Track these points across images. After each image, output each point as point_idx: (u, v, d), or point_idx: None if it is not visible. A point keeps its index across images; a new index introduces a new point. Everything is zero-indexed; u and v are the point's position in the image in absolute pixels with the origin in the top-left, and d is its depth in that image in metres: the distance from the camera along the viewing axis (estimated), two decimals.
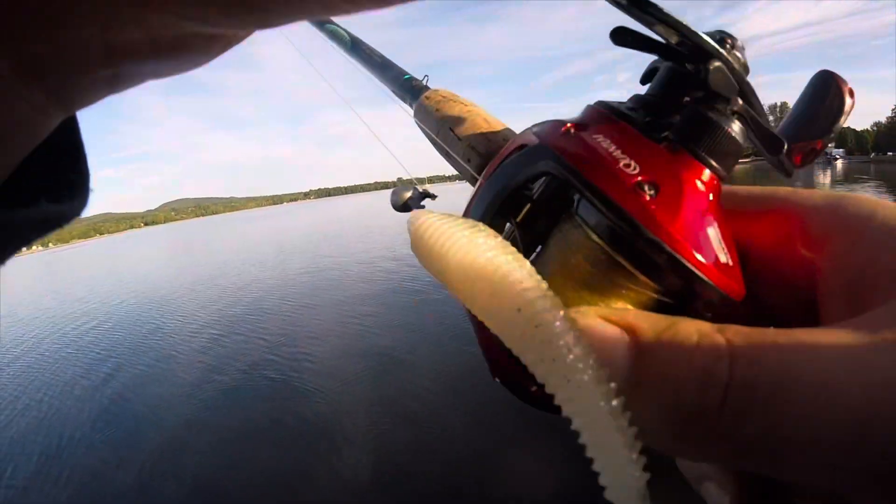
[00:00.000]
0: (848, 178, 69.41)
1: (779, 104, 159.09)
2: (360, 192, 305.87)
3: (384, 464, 7.12)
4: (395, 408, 8.90)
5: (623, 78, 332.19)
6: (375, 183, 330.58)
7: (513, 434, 7.10)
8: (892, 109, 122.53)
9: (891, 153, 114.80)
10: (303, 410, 9.44)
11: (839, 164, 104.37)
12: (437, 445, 7.37)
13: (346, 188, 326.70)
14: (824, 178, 71.94)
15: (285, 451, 7.93)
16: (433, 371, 10.48)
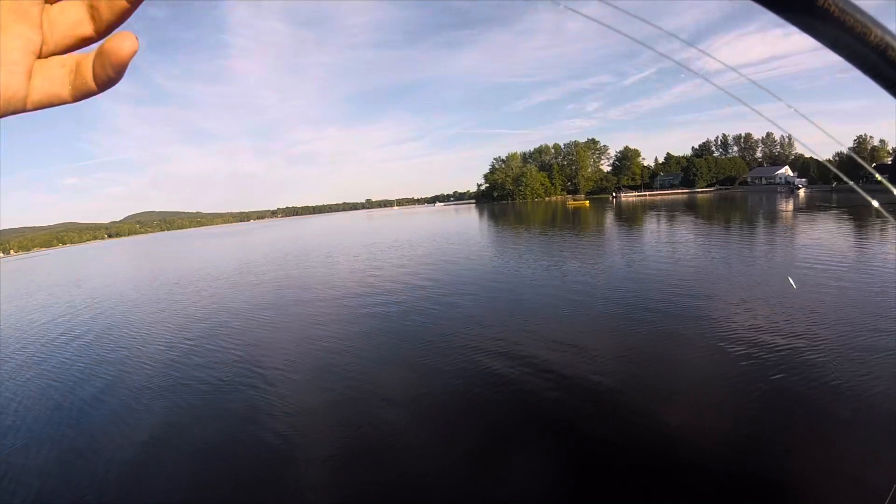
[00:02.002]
0: (811, 205, 69.81)
1: (743, 135, 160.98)
2: (327, 211, 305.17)
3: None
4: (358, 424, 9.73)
5: (592, 108, 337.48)
6: (343, 203, 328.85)
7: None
8: (854, 140, 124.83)
9: (852, 183, 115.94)
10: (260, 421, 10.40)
11: (802, 192, 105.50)
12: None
13: (313, 207, 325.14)
14: (787, 206, 71.43)
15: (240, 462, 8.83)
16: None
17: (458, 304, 19.63)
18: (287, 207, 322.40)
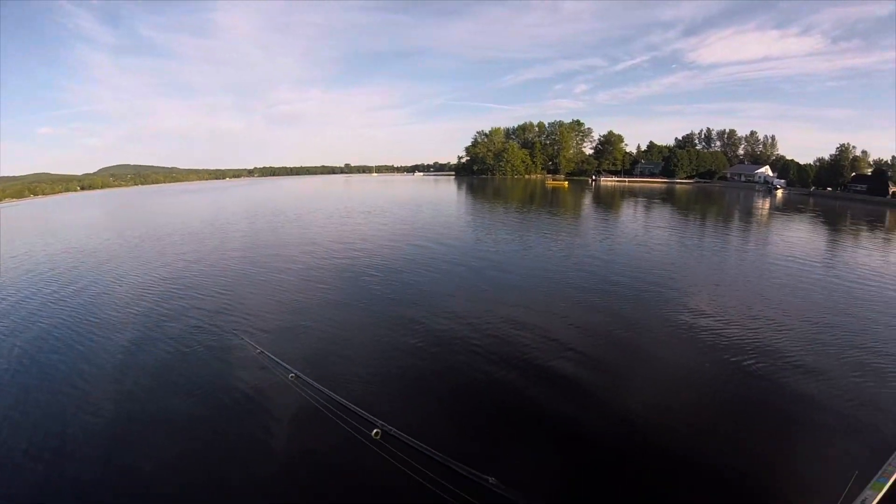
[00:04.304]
0: (788, 206, 71.30)
1: (727, 131, 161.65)
2: (305, 173, 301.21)
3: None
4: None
5: (580, 90, 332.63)
6: (322, 166, 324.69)
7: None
8: (836, 148, 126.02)
9: (829, 188, 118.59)
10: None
11: (779, 193, 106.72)
12: None
13: (291, 169, 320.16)
14: (764, 205, 72.49)
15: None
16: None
17: (428, 276, 19.81)
18: (264, 167, 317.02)
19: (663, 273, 20.64)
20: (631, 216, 47.76)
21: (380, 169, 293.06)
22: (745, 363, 11.48)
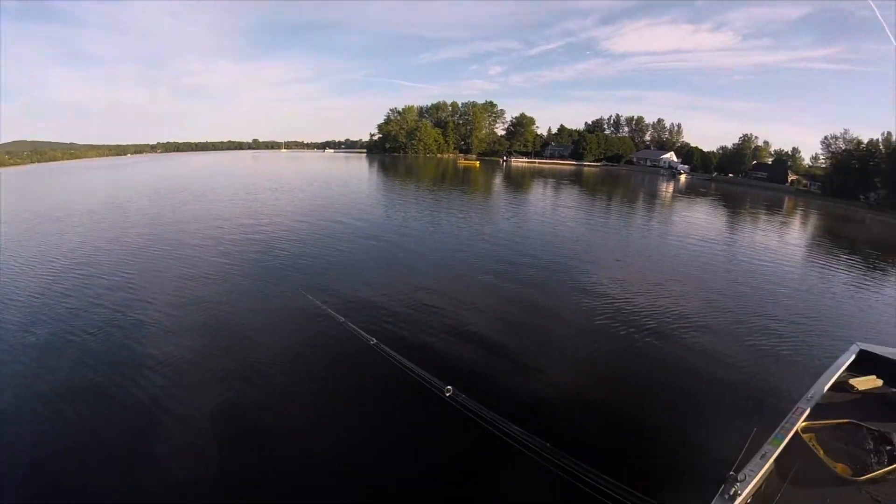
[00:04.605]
0: (691, 190, 74.14)
1: (635, 117, 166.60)
2: (211, 149, 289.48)
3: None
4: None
5: (495, 71, 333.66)
6: (229, 142, 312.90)
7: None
8: (739, 138, 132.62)
9: (731, 175, 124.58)
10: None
11: (683, 177, 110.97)
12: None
13: (196, 144, 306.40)
14: (667, 188, 74.79)
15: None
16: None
17: (333, 255, 18.78)
18: (168, 143, 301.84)
19: (570, 249, 20.36)
20: (540, 196, 47.84)
21: (289, 145, 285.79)
22: (648, 333, 11.33)
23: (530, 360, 10.07)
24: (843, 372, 5.63)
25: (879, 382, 5.39)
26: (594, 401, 8.42)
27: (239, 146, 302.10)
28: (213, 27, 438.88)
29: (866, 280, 19.83)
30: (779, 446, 3.80)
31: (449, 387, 8.18)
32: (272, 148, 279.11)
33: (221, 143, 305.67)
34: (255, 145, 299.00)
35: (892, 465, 3.76)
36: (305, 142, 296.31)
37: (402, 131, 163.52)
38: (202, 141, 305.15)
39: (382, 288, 14.53)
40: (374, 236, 21.77)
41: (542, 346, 10.92)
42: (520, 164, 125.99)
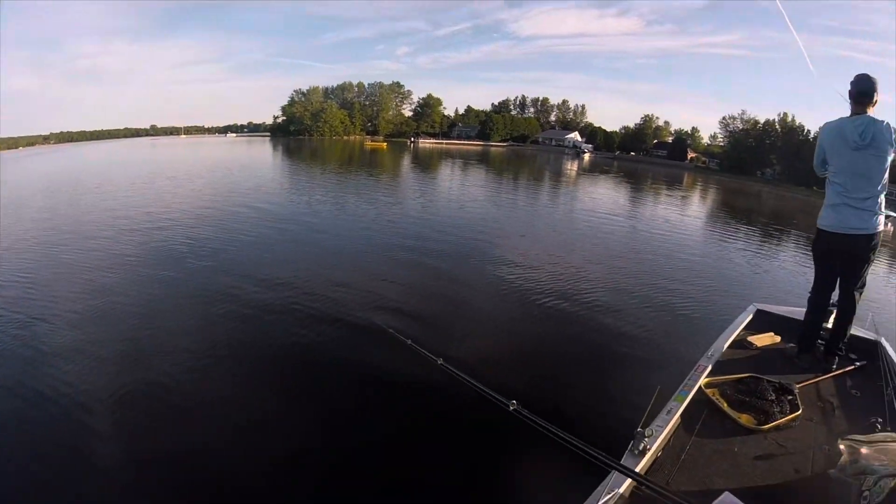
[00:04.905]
0: (595, 168, 76.38)
1: (540, 98, 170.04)
2: (107, 138, 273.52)
3: None
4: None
5: (402, 52, 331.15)
6: (126, 129, 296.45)
7: None
8: (641, 118, 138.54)
9: (633, 153, 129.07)
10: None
11: (587, 156, 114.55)
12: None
13: (91, 133, 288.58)
14: (572, 166, 77.05)
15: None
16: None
17: (233, 246, 18.04)
18: (61, 133, 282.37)
19: (477, 227, 20.22)
20: (448, 176, 47.87)
21: (189, 130, 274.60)
22: (553, 304, 11.19)
23: (442, 328, 9.96)
24: (741, 330, 5.78)
25: (777, 338, 5.56)
26: (503, 367, 8.30)
27: (136, 133, 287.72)
28: (108, 4, 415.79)
29: (761, 247, 20.98)
30: (683, 402, 3.81)
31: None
32: (171, 134, 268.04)
33: (118, 130, 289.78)
34: (154, 131, 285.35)
35: (794, 412, 3.87)
36: (206, 126, 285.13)
37: (306, 113, 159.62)
38: (98, 129, 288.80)
39: (291, 268, 14.10)
40: (281, 220, 21.08)
41: (447, 317, 10.82)
42: (428, 145, 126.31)
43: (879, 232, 4.74)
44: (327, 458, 6.24)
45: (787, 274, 15.91)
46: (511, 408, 2.85)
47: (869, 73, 4.69)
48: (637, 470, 2.88)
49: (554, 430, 2.60)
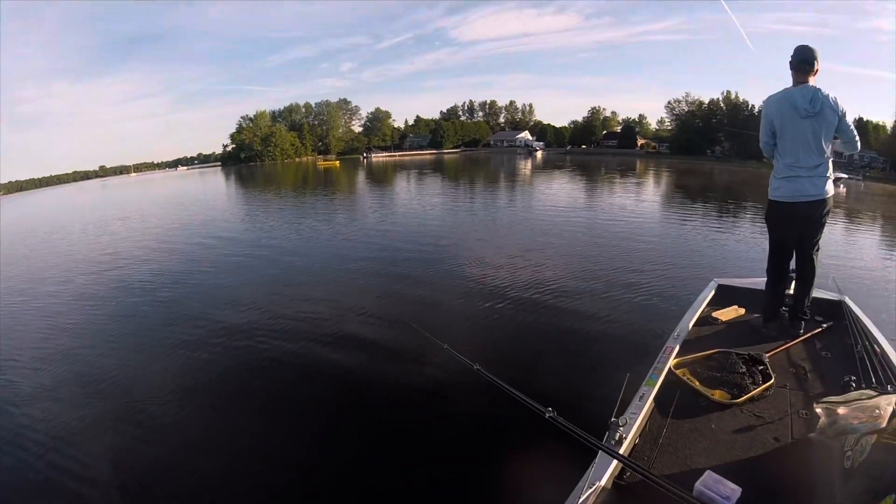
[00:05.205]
0: (548, 164, 76.48)
1: (488, 101, 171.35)
2: (56, 183, 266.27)
3: None
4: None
5: (346, 68, 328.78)
6: (74, 172, 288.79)
7: None
8: (589, 111, 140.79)
9: (584, 146, 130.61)
10: None
11: (539, 154, 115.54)
12: None
13: (40, 180, 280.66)
14: (526, 165, 77.35)
15: None
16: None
17: (210, 273, 17.74)
18: (10, 183, 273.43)
19: (438, 235, 20.23)
20: (404, 188, 47.72)
21: (139, 168, 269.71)
22: (508, 307, 11.11)
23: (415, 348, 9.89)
24: (705, 307, 5.80)
25: (742, 311, 5.59)
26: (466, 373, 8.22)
27: (86, 175, 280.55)
28: (47, 46, 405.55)
29: (717, 222, 21.48)
30: (655, 385, 3.79)
31: None
32: (121, 173, 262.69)
33: (67, 175, 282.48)
34: (103, 172, 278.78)
35: (766, 382, 3.86)
36: (156, 161, 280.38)
37: (256, 139, 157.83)
38: (47, 175, 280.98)
39: (251, 300, 13.86)
40: (240, 252, 20.71)
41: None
42: (381, 159, 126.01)
43: (832, 196, 4.82)
44: (348, 469, 6.13)
45: (745, 247, 16.15)
46: (548, 414, 2.73)
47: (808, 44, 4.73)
48: (616, 460, 2.86)
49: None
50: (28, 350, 11.64)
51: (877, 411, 2.84)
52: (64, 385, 9.56)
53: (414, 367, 8.34)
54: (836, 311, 5.28)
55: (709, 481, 2.67)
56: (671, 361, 4.29)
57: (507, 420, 6.31)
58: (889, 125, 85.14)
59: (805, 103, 4.59)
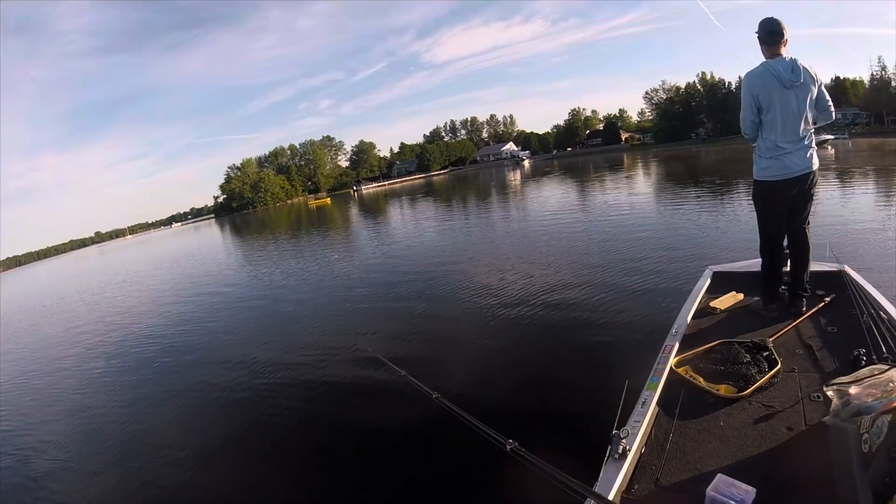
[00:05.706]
0: (537, 172, 76.72)
1: (469, 118, 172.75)
2: (54, 254, 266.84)
3: None
4: None
5: (325, 105, 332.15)
6: (71, 241, 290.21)
7: None
8: (569, 113, 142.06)
9: (570, 149, 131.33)
10: None
11: (526, 163, 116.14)
12: None
13: (38, 253, 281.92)
14: (515, 176, 77.52)
15: None
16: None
17: (196, 335, 17.55)
18: (8, 259, 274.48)
19: (440, 258, 20.19)
20: (399, 216, 47.78)
21: (134, 229, 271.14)
22: (502, 318, 11.22)
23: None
24: (702, 297, 5.67)
25: (740, 296, 5.45)
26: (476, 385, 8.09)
27: (83, 243, 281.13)
28: (28, 120, 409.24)
29: (708, 206, 21.23)
30: (656, 389, 3.65)
31: None
32: (117, 237, 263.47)
33: (63, 244, 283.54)
34: (99, 238, 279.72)
35: (773, 368, 3.69)
36: (150, 221, 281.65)
37: (245, 186, 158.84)
38: (44, 247, 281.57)
39: (261, 341, 13.74)
40: (244, 298, 20.65)
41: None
42: (371, 190, 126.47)
43: (818, 167, 4.74)
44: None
45: (737, 228, 15.93)
46: (508, 447, 2.65)
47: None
48: (622, 474, 2.72)
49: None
50: (42, 427, 11.56)
51: (891, 384, 2.71)
52: (81, 457, 9.47)
53: (401, 413, 8.22)
54: (836, 281, 5.14)
55: (720, 486, 2.54)
56: (672, 360, 4.16)
57: (476, 454, 6.13)
58: (867, 80, 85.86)
59: (788, 73, 4.49)
